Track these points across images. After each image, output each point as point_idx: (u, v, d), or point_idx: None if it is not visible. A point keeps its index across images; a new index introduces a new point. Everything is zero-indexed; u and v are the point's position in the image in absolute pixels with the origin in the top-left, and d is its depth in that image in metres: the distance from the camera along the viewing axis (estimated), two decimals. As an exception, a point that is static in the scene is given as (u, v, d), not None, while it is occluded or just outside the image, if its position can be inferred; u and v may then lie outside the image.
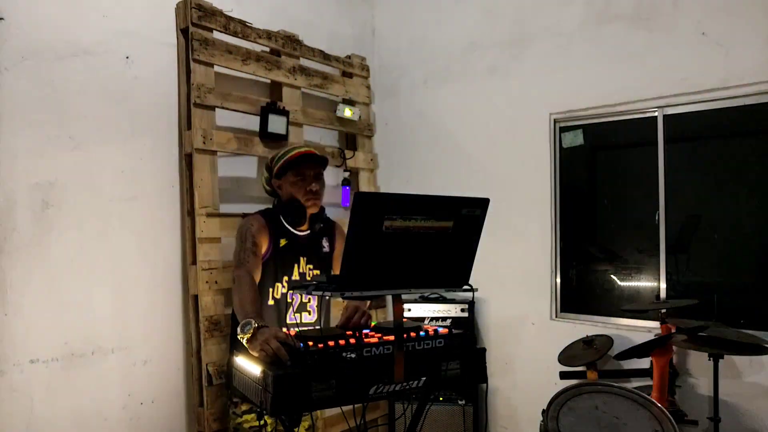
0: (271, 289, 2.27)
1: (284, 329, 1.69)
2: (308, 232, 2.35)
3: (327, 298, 2.38)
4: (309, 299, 2.34)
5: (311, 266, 2.36)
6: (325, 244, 2.45)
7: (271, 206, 2.44)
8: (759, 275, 2.86)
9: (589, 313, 3.29)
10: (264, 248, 2.26)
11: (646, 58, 3.00)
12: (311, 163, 2.36)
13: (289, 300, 2.27)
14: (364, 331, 1.69)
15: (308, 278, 2.31)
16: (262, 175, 2.38)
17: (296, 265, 2.34)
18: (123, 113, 2.69)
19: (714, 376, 2.40)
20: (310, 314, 2.34)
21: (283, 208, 2.31)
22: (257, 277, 2.18)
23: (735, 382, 2.68)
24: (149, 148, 2.79)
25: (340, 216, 3.61)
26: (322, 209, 2.42)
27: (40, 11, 2.42)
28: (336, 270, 2.44)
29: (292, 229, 2.33)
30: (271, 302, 2.26)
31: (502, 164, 3.53)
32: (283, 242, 2.30)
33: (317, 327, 2.19)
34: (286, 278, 2.29)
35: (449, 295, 3.41)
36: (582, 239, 3.46)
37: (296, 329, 1.65)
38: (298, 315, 2.32)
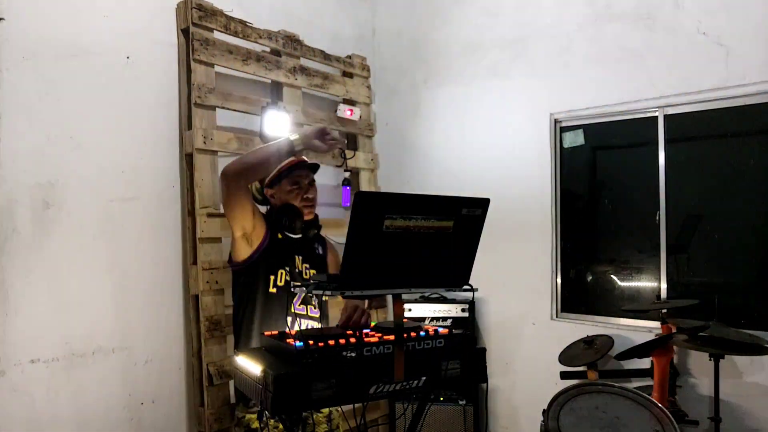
0: (272, 277, 2.24)
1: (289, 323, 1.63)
2: (301, 236, 2.34)
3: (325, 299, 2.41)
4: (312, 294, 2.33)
5: (307, 265, 2.36)
6: (319, 247, 2.46)
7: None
8: (759, 275, 2.86)
9: (590, 313, 3.29)
10: (261, 233, 2.24)
11: (646, 58, 3.00)
12: (305, 171, 2.36)
13: (293, 289, 2.25)
14: (364, 331, 1.69)
15: (305, 276, 2.30)
16: (252, 185, 2.37)
17: (296, 259, 2.34)
18: (123, 113, 2.69)
19: (714, 376, 2.41)
20: (315, 308, 2.35)
21: (280, 212, 2.29)
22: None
23: (736, 382, 2.68)
24: (149, 148, 2.79)
25: (341, 216, 3.61)
26: (316, 216, 2.42)
27: (41, 11, 2.42)
28: None
29: (287, 233, 2.32)
30: (272, 290, 2.23)
31: (502, 164, 3.53)
32: (280, 236, 2.30)
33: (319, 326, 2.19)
34: (287, 268, 2.27)
35: (450, 295, 3.41)
36: (582, 239, 3.46)
37: (296, 329, 1.65)
38: (304, 306, 2.32)
